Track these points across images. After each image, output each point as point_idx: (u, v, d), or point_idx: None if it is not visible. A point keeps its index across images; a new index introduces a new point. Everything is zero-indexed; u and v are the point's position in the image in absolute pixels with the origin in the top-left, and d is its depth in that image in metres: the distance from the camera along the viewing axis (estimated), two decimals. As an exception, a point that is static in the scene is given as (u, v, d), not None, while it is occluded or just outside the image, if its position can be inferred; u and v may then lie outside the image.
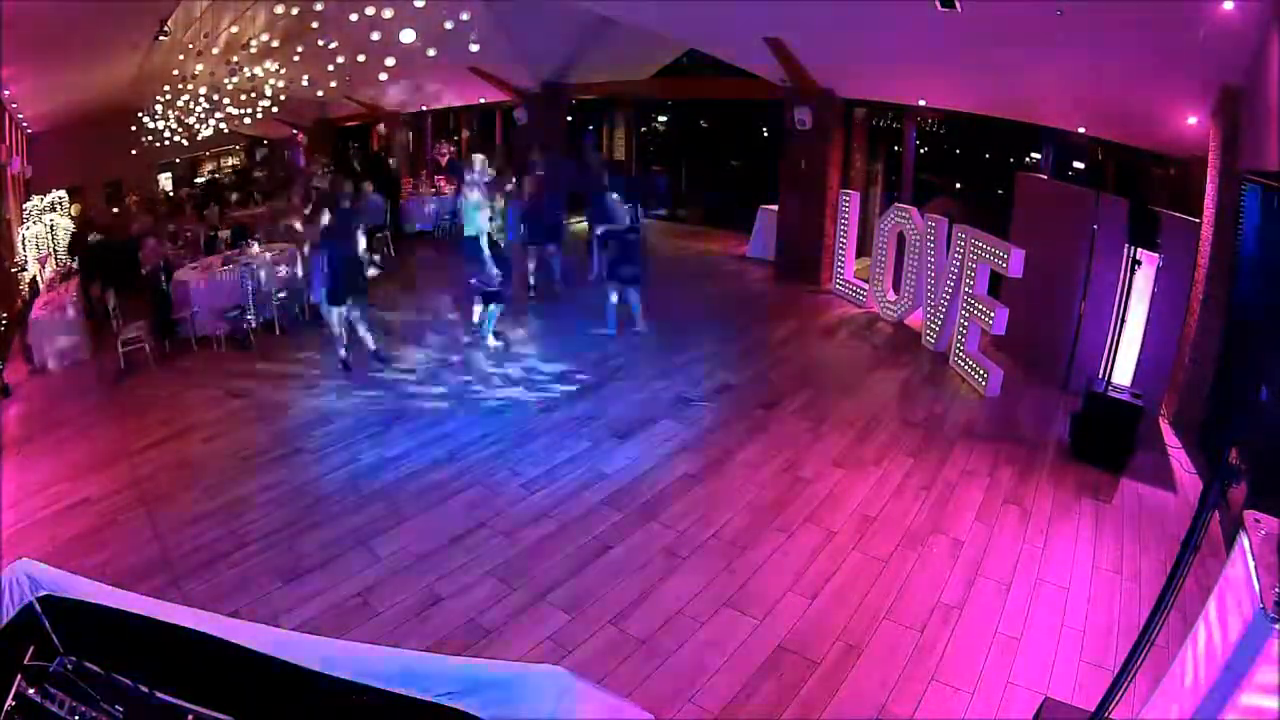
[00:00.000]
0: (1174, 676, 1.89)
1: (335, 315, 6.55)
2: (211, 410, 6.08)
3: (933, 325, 7.06)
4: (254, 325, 7.73)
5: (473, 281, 6.97)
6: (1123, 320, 5.05)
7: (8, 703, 1.97)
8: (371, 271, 6.77)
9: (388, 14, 8.04)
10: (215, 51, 10.68)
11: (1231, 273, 4.83)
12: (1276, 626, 1.44)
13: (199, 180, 20.28)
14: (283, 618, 3.46)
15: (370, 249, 7.02)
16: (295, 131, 20.25)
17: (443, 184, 13.36)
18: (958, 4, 5.46)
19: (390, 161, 13.88)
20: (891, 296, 7.99)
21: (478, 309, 7.15)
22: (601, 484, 4.70)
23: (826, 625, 3.42)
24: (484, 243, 6.84)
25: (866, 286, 8.48)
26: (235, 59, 10.51)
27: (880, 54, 7.53)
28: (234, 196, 14.95)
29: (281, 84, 11.36)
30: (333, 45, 8.95)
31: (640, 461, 4.97)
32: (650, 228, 13.30)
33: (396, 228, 12.34)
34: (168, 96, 12.44)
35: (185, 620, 2.18)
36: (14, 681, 2.00)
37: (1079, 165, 8.49)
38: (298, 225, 7.28)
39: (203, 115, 13.79)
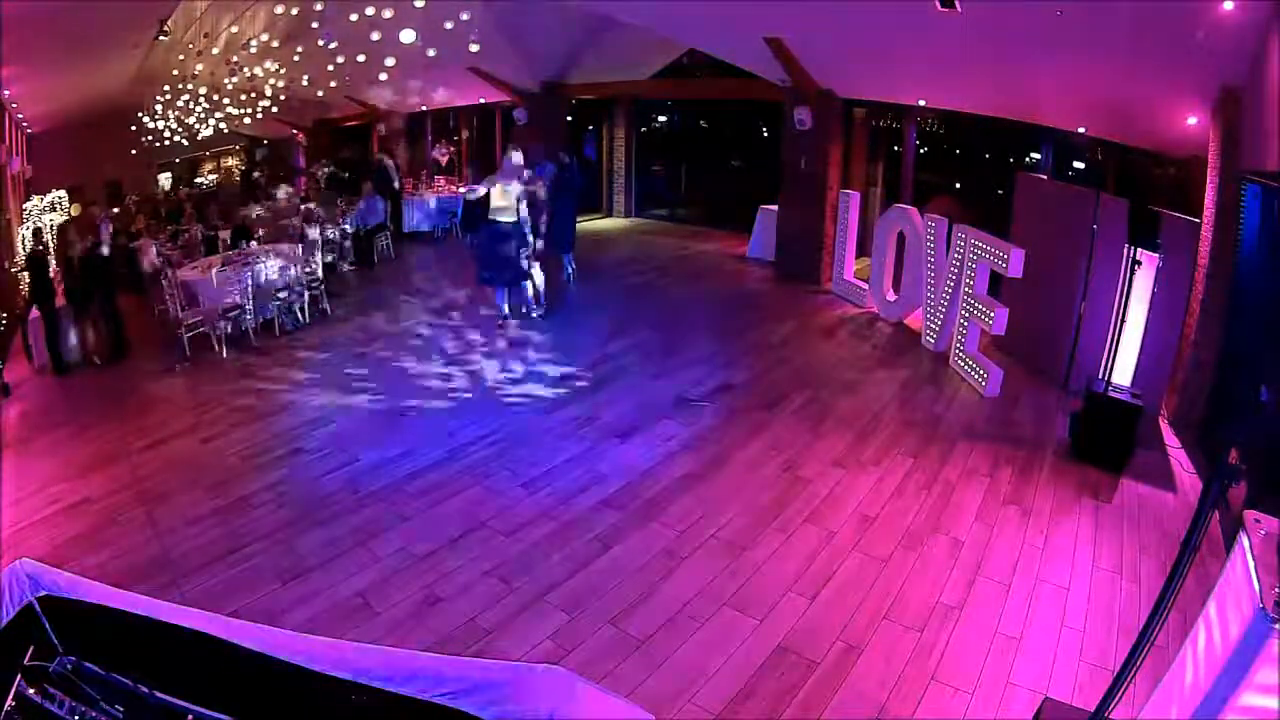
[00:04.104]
0: (1174, 676, 1.89)
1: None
2: (211, 410, 6.08)
3: (933, 325, 7.06)
4: (254, 325, 7.74)
5: (522, 260, 7.56)
6: (1123, 320, 5.05)
7: (7, 703, 1.97)
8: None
9: (388, 14, 8.04)
10: (215, 51, 10.68)
11: (1231, 273, 4.83)
12: (1276, 626, 1.45)
13: (199, 180, 20.29)
14: (283, 618, 3.46)
15: None
16: (295, 131, 20.26)
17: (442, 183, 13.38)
18: (957, 4, 5.46)
19: (390, 162, 13.86)
20: (891, 296, 8.00)
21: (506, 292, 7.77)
22: (601, 484, 4.69)
23: (826, 625, 3.42)
24: (528, 228, 7.56)
25: (866, 286, 8.48)
26: (235, 59, 10.52)
27: (880, 54, 7.53)
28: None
29: (281, 84, 11.36)
30: (333, 45, 8.95)
31: (640, 461, 4.97)
32: (650, 228, 13.36)
33: (397, 227, 12.37)
34: (168, 96, 12.44)
35: (185, 620, 2.18)
36: (14, 681, 2.00)
37: (1079, 165, 8.50)
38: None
39: (203, 115, 13.79)
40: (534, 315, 7.95)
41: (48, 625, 2.21)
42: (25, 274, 8.99)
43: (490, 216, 7.46)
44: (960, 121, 9.44)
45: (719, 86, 11.45)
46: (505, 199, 7.40)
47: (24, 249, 11.37)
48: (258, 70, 10.99)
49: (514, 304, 7.98)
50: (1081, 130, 6.89)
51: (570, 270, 9.33)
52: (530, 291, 7.93)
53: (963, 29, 5.82)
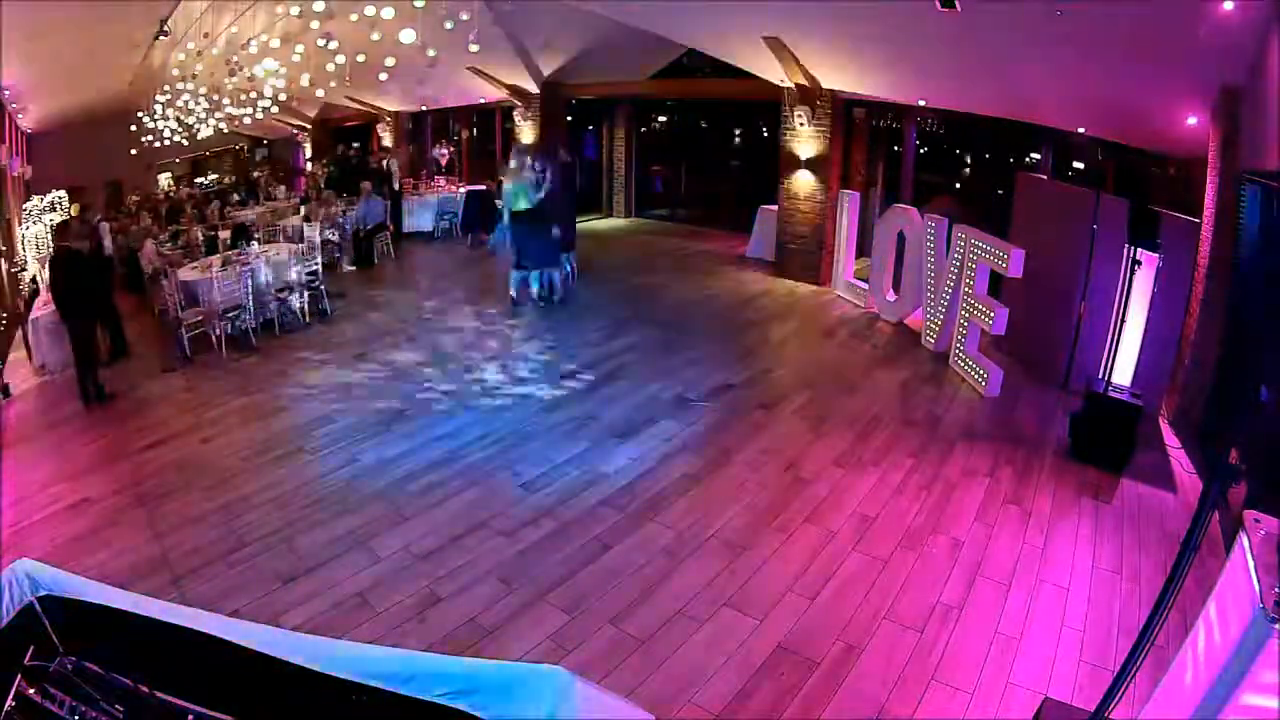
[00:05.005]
0: (1174, 676, 1.89)
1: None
2: (211, 410, 6.07)
3: (933, 325, 7.06)
4: (254, 325, 7.73)
5: (550, 244, 8.11)
6: (1123, 320, 5.05)
7: (8, 703, 1.97)
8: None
9: (388, 14, 8.03)
10: (215, 51, 10.67)
11: (1231, 273, 4.83)
12: (1276, 626, 1.44)
13: (199, 180, 20.29)
14: (283, 618, 3.46)
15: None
16: (295, 131, 20.26)
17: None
18: (958, 4, 5.46)
19: (390, 162, 13.87)
20: (891, 296, 8.00)
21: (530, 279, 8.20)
22: (601, 484, 4.70)
23: (826, 625, 3.42)
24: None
25: (866, 286, 8.48)
26: (235, 59, 10.51)
27: (880, 54, 7.53)
28: (235, 197, 14.95)
29: (281, 84, 11.34)
30: (333, 45, 8.95)
31: (640, 461, 4.97)
32: (650, 228, 13.36)
33: (397, 227, 12.38)
34: (168, 96, 12.43)
35: (185, 620, 2.18)
36: (14, 681, 2.00)
37: (1079, 165, 8.51)
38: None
39: (203, 115, 13.78)
40: (555, 299, 8.41)
41: (48, 625, 2.21)
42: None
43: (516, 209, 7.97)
44: (960, 121, 9.44)
45: (719, 86, 11.45)
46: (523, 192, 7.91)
47: (32, 247, 11.36)
48: (258, 70, 10.97)
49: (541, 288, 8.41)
50: (1081, 130, 6.90)
51: (570, 269, 9.32)
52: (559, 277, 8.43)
53: (963, 29, 5.82)
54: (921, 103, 8.53)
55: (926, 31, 6.18)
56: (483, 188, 12.89)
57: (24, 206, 12.96)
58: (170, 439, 5.59)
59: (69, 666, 2.04)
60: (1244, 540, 1.65)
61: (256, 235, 9.87)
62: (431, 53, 8.78)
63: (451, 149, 15.97)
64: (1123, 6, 4.56)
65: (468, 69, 12.23)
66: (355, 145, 18.15)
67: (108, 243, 7.51)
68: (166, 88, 12.08)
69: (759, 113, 12.56)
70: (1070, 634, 3.35)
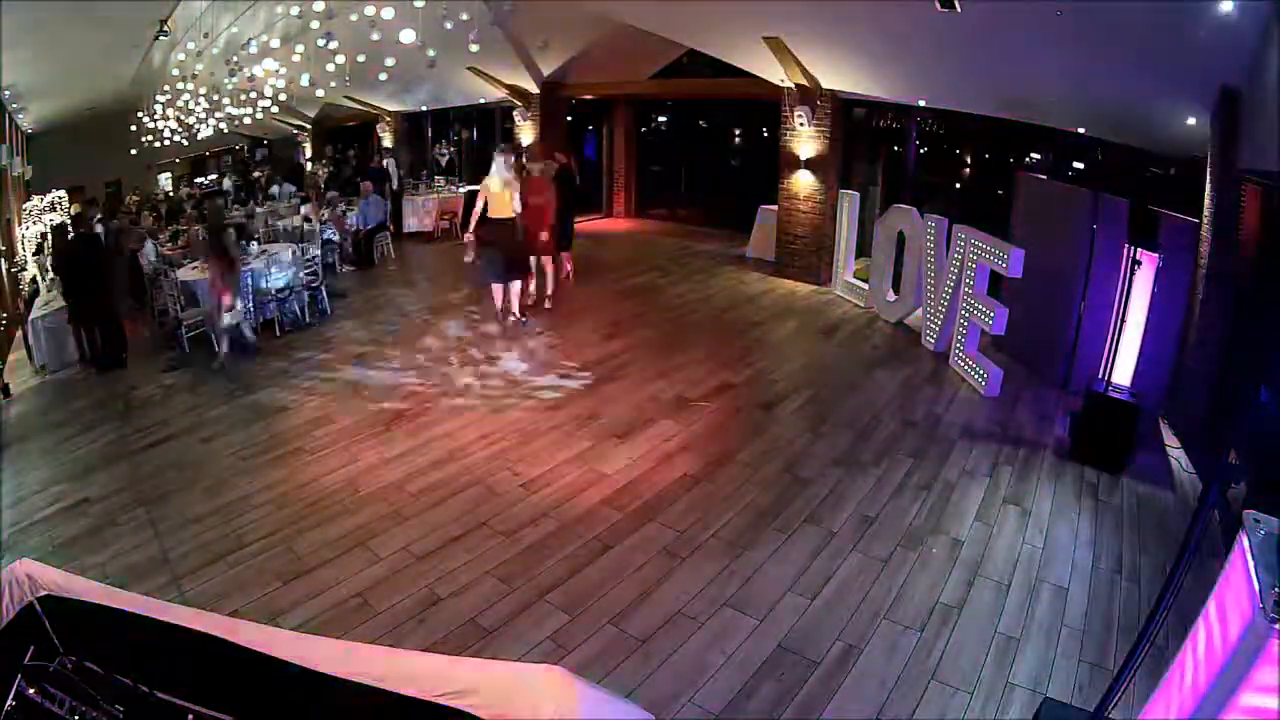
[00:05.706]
0: (1174, 676, 1.89)
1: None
2: (211, 410, 6.07)
3: (933, 325, 7.06)
4: (254, 325, 7.73)
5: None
6: (1123, 320, 5.05)
7: (8, 703, 1.97)
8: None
9: (388, 14, 8.03)
10: (215, 51, 10.67)
11: (1231, 273, 4.83)
12: (1276, 626, 1.44)
13: (200, 180, 20.29)
14: (283, 618, 3.46)
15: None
16: (295, 132, 20.25)
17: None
18: (958, 4, 5.46)
19: (390, 162, 13.87)
20: (891, 296, 8.00)
21: (513, 287, 7.71)
22: (601, 484, 4.69)
23: (826, 625, 3.42)
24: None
25: (866, 286, 8.48)
26: (235, 59, 10.51)
27: (881, 54, 7.53)
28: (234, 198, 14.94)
29: (281, 84, 11.34)
30: (333, 45, 8.95)
31: (640, 461, 4.97)
32: (650, 228, 13.36)
33: (397, 227, 12.39)
34: (168, 96, 12.43)
35: (185, 620, 2.18)
36: (14, 681, 2.00)
37: (1079, 165, 8.50)
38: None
39: (203, 115, 13.78)
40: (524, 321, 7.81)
41: (48, 625, 2.21)
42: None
43: (492, 216, 7.43)
44: (960, 121, 9.44)
45: (719, 86, 11.44)
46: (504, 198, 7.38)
47: (32, 247, 11.34)
48: (258, 70, 10.97)
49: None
50: (1081, 130, 6.89)
51: (567, 270, 9.34)
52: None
53: (963, 29, 5.82)
54: (921, 103, 8.52)
55: (926, 31, 6.18)
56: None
57: (24, 206, 12.95)
58: (170, 439, 5.59)
59: (69, 666, 2.04)
60: (1244, 540, 1.65)
61: (257, 235, 9.88)
62: (431, 53, 8.78)
63: (451, 149, 15.96)
64: (1123, 6, 4.56)
65: (468, 69, 12.23)
66: (353, 148, 18.11)
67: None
68: (166, 88, 12.08)
69: (759, 113, 12.55)
70: (1070, 634, 3.35)
